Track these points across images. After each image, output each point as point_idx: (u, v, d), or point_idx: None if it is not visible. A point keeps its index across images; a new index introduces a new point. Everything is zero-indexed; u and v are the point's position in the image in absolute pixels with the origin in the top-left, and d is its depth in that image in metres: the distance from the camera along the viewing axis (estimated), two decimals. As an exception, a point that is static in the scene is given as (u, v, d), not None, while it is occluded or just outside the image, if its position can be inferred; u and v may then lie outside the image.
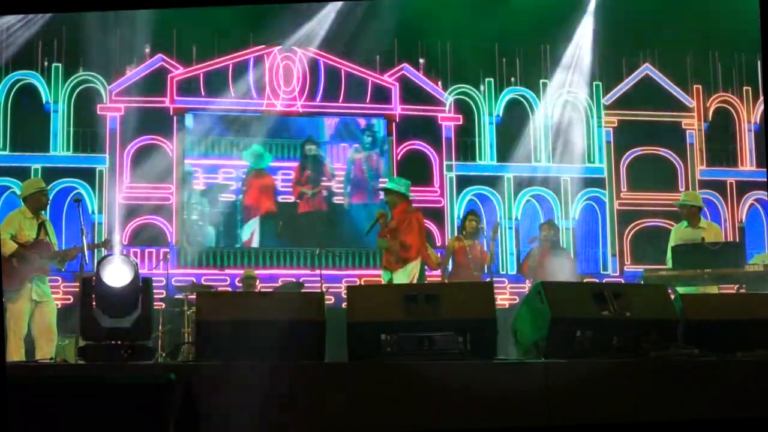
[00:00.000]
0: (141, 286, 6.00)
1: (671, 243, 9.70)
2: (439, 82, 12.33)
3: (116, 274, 5.85)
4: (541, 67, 12.62)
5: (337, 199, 12.25)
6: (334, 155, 12.43)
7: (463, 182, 12.28)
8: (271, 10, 11.43)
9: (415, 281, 8.78)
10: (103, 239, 10.29)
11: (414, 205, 9.55)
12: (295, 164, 12.20)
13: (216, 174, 12.12)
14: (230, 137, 12.13)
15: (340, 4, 11.73)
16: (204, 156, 11.99)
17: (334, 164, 12.34)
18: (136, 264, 5.98)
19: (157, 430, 4.60)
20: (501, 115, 12.47)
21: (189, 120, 12.08)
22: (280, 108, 11.87)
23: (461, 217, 10.96)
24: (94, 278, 6.05)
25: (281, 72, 11.86)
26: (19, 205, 8.96)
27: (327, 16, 11.97)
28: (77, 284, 8.41)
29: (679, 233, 9.84)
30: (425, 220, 9.87)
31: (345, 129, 12.55)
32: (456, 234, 11.12)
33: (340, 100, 12.00)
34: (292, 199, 12.09)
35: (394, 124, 12.14)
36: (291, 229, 11.88)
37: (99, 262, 6.06)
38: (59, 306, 9.11)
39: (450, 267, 10.18)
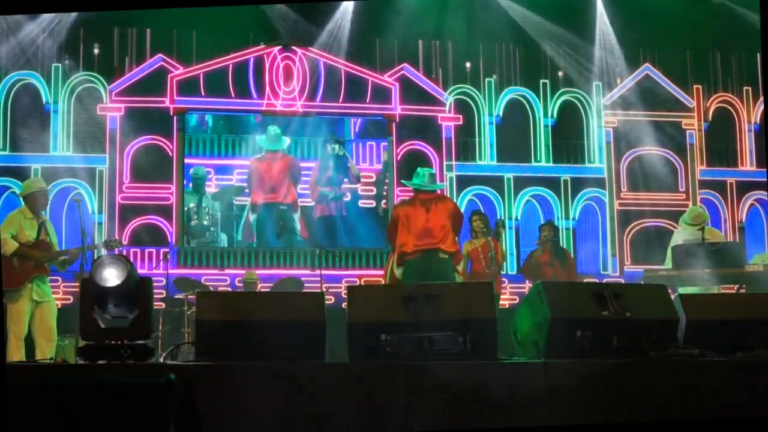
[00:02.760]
0: (139, 284, 5.99)
1: (672, 244, 9.70)
2: (439, 82, 12.33)
3: (108, 275, 5.84)
4: (541, 67, 12.63)
5: (363, 203, 12.14)
6: (360, 155, 12.34)
7: (463, 182, 12.27)
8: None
9: (386, 276, 8.46)
10: (103, 239, 10.28)
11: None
12: (314, 164, 12.09)
13: (230, 175, 12.10)
14: (244, 136, 12.09)
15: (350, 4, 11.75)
16: (216, 156, 11.96)
17: (360, 164, 12.22)
18: (129, 261, 5.96)
19: (157, 430, 4.60)
20: (501, 115, 12.47)
21: (199, 120, 12.09)
22: (280, 108, 11.86)
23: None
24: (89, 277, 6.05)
25: (281, 72, 11.84)
26: (19, 205, 8.96)
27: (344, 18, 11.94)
28: (77, 284, 8.41)
29: (681, 234, 9.84)
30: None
31: (373, 126, 12.44)
32: (469, 238, 11.08)
33: (340, 100, 11.99)
34: (309, 201, 11.95)
35: (394, 124, 12.13)
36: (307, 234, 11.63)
37: (91, 266, 6.05)
38: (59, 306, 9.11)
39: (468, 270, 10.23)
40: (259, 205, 11.34)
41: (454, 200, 12.07)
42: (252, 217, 11.49)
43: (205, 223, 11.47)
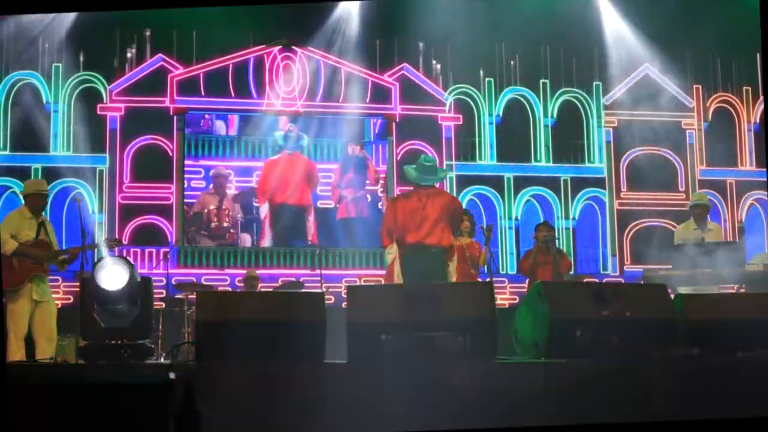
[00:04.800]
0: (140, 286, 6.00)
1: (675, 243, 9.69)
2: (440, 82, 12.33)
3: (112, 277, 5.85)
4: (541, 67, 12.63)
5: (383, 205, 12.05)
6: (380, 156, 12.31)
7: (464, 182, 12.27)
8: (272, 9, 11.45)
9: (395, 269, 8.39)
10: (103, 239, 10.27)
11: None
12: (335, 166, 12.05)
13: (250, 177, 12.06)
14: (264, 138, 12.06)
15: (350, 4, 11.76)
16: (236, 158, 11.95)
17: (380, 166, 12.18)
18: (131, 264, 5.97)
19: (157, 430, 4.60)
20: (501, 115, 12.47)
21: (221, 121, 12.10)
22: (280, 108, 11.86)
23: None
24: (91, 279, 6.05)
25: (281, 72, 11.84)
26: (19, 205, 8.96)
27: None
28: (77, 284, 8.41)
29: (681, 233, 9.84)
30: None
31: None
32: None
33: (340, 100, 11.99)
34: (331, 203, 11.93)
35: (394, 124, 12.13)
36: (326, 236, 11.60)
37: (93, 267, 6.05)
38: (59, 306, 9.10)
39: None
40: (273, 206, 11.39)
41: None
42: (267, 218, 11.52)
43: (226, 224, 11.47)
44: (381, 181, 12.01)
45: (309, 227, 11.56)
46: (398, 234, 8.07)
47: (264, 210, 11.57)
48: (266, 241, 11.55)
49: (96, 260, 6.24)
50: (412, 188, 8.53)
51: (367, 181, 11.79)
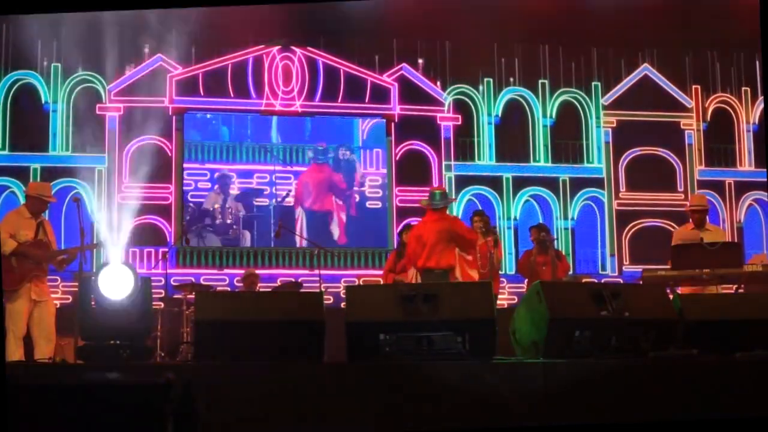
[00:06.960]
0: (140, 287, 5.99)
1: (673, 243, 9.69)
2: (439, 82, 12.34)
3: (117, 286, 5.86)
4: (540, 67, 12.64)
5: (371, 204, 12.20)
6: (368, 160, 12.41)
7: (463, 182, 12.28)
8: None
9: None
10: (102, 239, 10.26)
11: (414, 206, 9.56)
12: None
13: (251, 179, 12.14)
14: (263, 143, 12.15)
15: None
16: (238, 161, 12.01)
17: (368, 169, 12.32)
18: (136, 273, 5.98)
19: (157, 430, 4.60)
20: (500, 115, 12.48)
21: (225, 124, 12.19)
22: (279, 108, 11.87)
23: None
24: (92, 279, 6.05)
25: (280, 72, 11.85)
26: (17, 205, 8.95)
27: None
28: (76, 284, 8.39)
29: (680, 234, 9.83)
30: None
31: (381, 133, 12.52)
32: None
33: (339, 100, 12.00)
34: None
35: (393, 124, 12.14)
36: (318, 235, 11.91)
37: (98, 273, 6.03)
38: (59, 306, 9.10)
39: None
40: (304, 212, 12.02)
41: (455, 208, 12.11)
42: (300, 222, 12.04)
43: (229, 221, 11.80)
44: (368, 183, 12.36)
45: (333, 230, 12.08)
46: (412, 260, 8.68)
47: (298, 214, 12.02)
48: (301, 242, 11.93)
49: (102, 266, 6.20)
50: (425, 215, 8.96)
51: (355, 183, 12.13)
